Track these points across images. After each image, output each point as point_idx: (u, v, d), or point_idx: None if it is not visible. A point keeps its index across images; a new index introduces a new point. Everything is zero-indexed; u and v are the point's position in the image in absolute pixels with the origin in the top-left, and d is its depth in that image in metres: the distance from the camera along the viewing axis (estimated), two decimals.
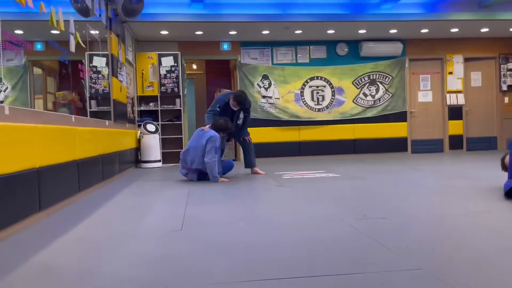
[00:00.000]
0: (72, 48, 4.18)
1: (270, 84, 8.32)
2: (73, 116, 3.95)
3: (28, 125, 2.82)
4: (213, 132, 4.73)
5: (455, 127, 8.86)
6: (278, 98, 8.34)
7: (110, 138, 5.17)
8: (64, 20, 3.81)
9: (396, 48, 8.39)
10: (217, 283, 1.62)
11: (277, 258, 1.92)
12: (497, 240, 2.15)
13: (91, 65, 6.05)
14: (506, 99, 8.99)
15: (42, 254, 2.08)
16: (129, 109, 6.91)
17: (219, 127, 4.87)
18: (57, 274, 1.80)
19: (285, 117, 8.36)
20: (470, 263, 1.80)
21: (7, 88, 4.39)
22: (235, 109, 5.33)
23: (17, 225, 2.57)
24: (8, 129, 2.53)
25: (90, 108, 6.26)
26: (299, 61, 8.46)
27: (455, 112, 8.86)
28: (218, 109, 5.21)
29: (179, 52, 7.88)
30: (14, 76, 4.62)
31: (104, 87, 5.95)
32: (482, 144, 8.89)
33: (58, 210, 3.25)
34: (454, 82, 8.82)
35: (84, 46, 4.52)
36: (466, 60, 8.84)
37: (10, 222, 2.49)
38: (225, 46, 8.24)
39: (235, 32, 7.64)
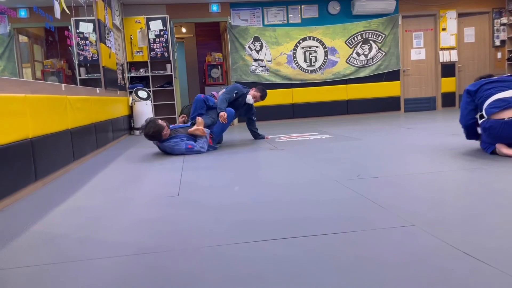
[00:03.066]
0: (57, 14, 4.06)
1: (261, 46, 8.20)
2: (63, 84, 3.90)
3: (17, 95, 2.78)
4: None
5: (448, 85, 8.86)
6: (270, 61, 8.24)
7: (101, 106, 5.13)
8: None
9: (388, 5, 8.24)
10: (214, 246, 1.66)
11: (272, 220, 1.96)
12: (488, 196, 2.20)
13: (77, 31, 5.90)
14: (499, 54, 8.95)
15: (41, 223, 2.11)
16: (119, 75, 6.81)
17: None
18: (57, 242, 1.83)
19: (277, 81, 8.29)
20: (462, 219, 1.85)
21: None
22: (251, 101, 5.09)
23: (14, 195, 2.59)
24: None
25: (80, 75, 6.15)
26: (290, 22, 8.30)
27: (448, 69, 8.83)
28: (234, 95, 4.92)
29: (167, 15, 7.69)
30: (0, 45, 4.49)
31: (93, 54, 5.83)
32: None
33: (54, 179, 3.27)
34: (447, 38, 8.73)
35: (69, 12, 4.39)
36: (460, 15, 8.72)
37: (7, 192, 2.51)
38: (214, 8, 8.04)
39: None
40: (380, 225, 1.79)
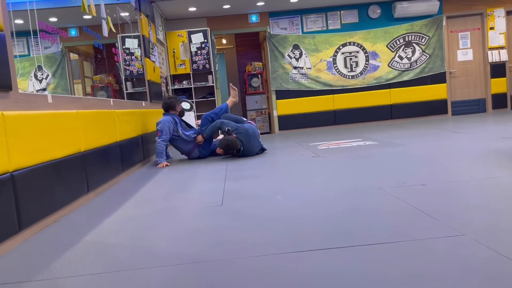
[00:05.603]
0: (105, 33, 4.26)
1: (301, 54, 8.20)
2: (111, 99, 4.07)
3: (70, 111, 2.93)
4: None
5: (498, 85, 8.47)
6: (309, 68, 8.22)
7: (147, 118, 5.30)
8: (95, 5, 3.88)
9: (432, 6, 8.02)
10: (260, 256, 1.67)
11: (317, 230, 1.94)
12: None
13: (124, 47, 6.15)
14: None
15: (93, 233, 2.21)
16: (163, 88, 7.02)
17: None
18: (108, 252, 1.91)
19: (317, 87, 8.25)
20: None
21: (48, 75, 4.54)
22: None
23: (68, 206, 2.72)
24: (53, 116, 2.65)
25: (126, 89, 6.40)
26: (330, 28, 8.26)
27: (498, 69, 8.45)
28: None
29: (208, 28, 7.86)
30: (53, 63, 4.76)
31: (138, 68, 6.05)
32: None
33: (105, 190, 3.41)
34: (496, 37, 8.37)
35: (114, 31, 4.59)
36: (508, 13, 8.34)
37: (62, 204, 2.64)
38: (254, 18, 8.14)
39: (263, 3, 7.53)
40: (429, 235, 1.74)
